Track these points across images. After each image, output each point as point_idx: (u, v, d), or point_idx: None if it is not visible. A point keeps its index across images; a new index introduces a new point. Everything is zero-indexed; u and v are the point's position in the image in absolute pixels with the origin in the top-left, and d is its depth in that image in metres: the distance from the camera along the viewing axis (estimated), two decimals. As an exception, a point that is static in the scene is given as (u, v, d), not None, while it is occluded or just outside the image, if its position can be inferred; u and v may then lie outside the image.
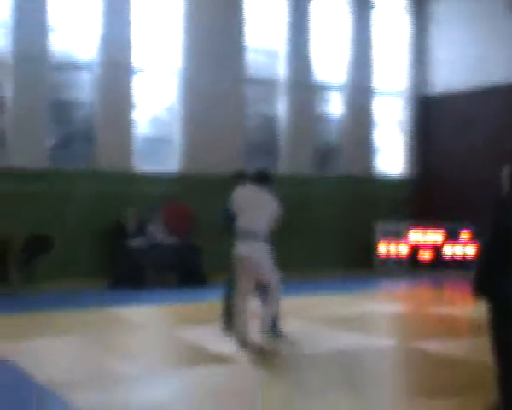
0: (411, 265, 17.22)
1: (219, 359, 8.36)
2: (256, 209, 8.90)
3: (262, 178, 9.17)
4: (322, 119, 18.39)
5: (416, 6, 19.08)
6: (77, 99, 15.46)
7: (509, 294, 6.24)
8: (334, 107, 18.48)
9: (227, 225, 9.50)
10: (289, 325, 10.46)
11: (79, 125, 15.63)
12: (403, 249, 17.38)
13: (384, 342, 9.52)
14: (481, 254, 6.54)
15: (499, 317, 6.33)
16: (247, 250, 8.83)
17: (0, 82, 14.64)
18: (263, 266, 8.89)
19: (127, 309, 11.86)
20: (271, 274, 8.95)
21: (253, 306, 9.18)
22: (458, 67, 18.06)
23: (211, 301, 11.21)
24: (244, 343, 8.86)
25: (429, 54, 18.96)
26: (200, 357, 8.50)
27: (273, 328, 9.33)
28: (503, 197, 6.45)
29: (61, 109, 15.37)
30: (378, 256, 17.51)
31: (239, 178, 9.71)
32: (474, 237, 16.34)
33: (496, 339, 6.37)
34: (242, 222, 8.88)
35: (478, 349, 8.25)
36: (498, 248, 6.24)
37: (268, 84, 17.53)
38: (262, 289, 9.29)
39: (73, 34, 15.20)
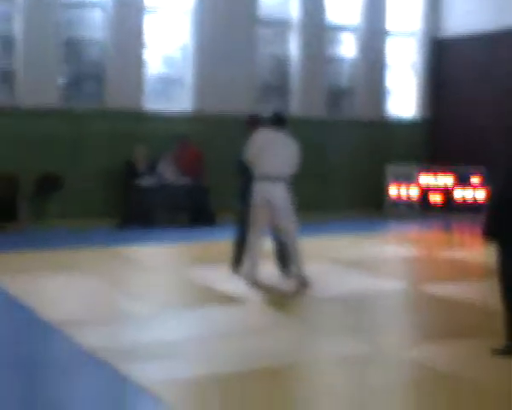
0: (422, 208, 17.12)
1: (230, 299, 8.32)
2: (277, 152, 8.75)
3: (279, 121, 8.99)
4: (334, 60, 18.11)
5: None
6: (88, 38, 15.21)
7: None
8: (347, 48, 18.19)
9: (242, 173, 9.38)
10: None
11: (91, 64, 15.38)
12: (413, 192, 17.26)
13: (394, 284, 9.46)
14: (492, 198, 6.48)
15: (509, 261, 6.30)
16: (267, 193, 8.70)
17: (10, 20, 14.40)
18: (281, 212, 8.77)
19: (136, 248, 11.82)
20: (289, 221, 8.83)
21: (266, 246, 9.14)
22: (475, 9, 17.63)
23: (220, 241, 11.15)
24: (253, 283, 8.81)
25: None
26: (211, 297, 8.46)
27: (284, 268, 9.30)
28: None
29: (72, 48, 15.11)
30: (389, 199, 17.41)
31: (253, 121, 9.56)
32: (485, 182, 16.20)
33: (505, 283, 6.36)
34: (263, 165, 8.73)
35: (487, 293, 8.19)
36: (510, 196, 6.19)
37: (280, 25, 17.23)
38: (276, 234, 9.24)
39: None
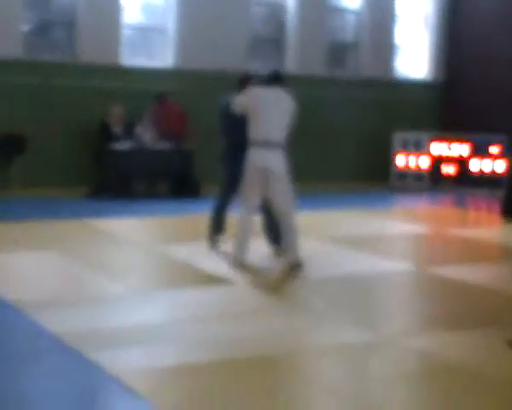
0: (433, 180, 17.18)
1: (213, 279, 8.33)
2: (274, 112, 8.59)
3: (276, 79, 8.89)
4: (336, 11, 18.15)
5: None
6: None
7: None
8: (352, -2, 18.23)
9: (224, 131, 9.39)
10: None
11: (59, 9, 15.31)
12: (424, 163, 17.31)
13: (400, 265, 9.49)
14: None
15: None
16: (261, 162, 8.63)
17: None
18: (278, 184, 8.63)
19: (110, 221, 11.80)
20: (285, 196, 8.71)
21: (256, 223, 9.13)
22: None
23: (205, 214, 11.15)
24: (240, 264, 8.79)
25: None
26: (192, 277, 8.48)
27: (275, 244, 9.30)
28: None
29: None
30: (396, 169, 17.46)
31: (247, 80, 9.49)
32: (505, 152, 16.22)
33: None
34: (259, 128, 8.59)
35: (505, 277, 8.22)
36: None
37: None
38: (266, 212, 9.22)
39: None
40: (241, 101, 8.78)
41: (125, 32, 15.71)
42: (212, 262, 9.01)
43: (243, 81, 9.46)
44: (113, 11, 15.32)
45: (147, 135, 14.57)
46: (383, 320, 7.24)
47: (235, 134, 9.14)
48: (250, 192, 8.74)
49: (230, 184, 9.43)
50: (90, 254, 9.42)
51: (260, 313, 7.22)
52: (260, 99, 8.68)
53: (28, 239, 10.15)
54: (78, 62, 15.04)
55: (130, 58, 15.70)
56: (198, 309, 7.26)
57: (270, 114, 8.58)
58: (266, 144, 8.57)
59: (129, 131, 14.59)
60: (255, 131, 8.62)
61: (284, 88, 8.83)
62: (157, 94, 14.90)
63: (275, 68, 9.44)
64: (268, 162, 8.57)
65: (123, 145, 14.36)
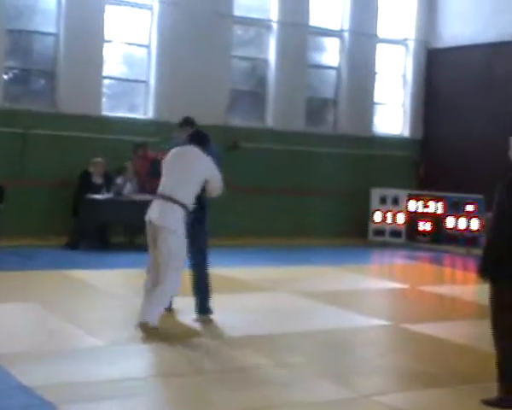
0: (409, 236, 17.25)
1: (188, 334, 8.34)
2: (177, 169, 8.41)
3: (193, 139, 8.67)
4: (316, 67, 18.28)
5: None
6: (38, 28, 15.16)
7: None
8: (332, 55, 18.35)
9: None
10: (271, 299, 10.47)
11: (40, 58, 15.34)
12: (400, 219, 17.39)
13: (377, 322, 9.53)
14: (489, 231, 6.55)
15: (504, 300, 6.35)
16: (151, 214, 8.39)
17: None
18: (165, 238, 8.19)
19: (89, 272, 11.73)
20: (172, 254, 8.16)
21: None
22: (471, 19, 17.96)
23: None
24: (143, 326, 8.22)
25: (438, 1, 18.83)
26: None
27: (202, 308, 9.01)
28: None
29: (20, 39, 15.12)
30: (373, 225, 17.53)
31: (184, 125, 9.31)
32: (481, 211, 16.36)
33: (498, 324, 6.40)
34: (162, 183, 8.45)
35: (480, 335, 8.25)
36: (507, 227, 6.26)
37: (258, 25, 17.38)
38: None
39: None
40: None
41: (107, 84, 15.79)
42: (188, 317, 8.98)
43: (181, 125, 9.35)
44: (95, 62, 15.39)
45: (127, 186, 14.56)
46: (358, 377, 7.24)
47: None
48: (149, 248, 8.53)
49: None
50: (67, 305, 9.37)
51: (235, 369, 7.22)
52: (168, 157, 8.57)
53: (5, 290, 10.07)
54: (58, 112, 15.07)
55: (111, 109, 15.75)
56: (172, 363, 7.27)
57: (172, 170, 8.42)
58: (161, 197, 8.38)
59: (109, 182, 14.59)
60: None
61: (203, 146, 8.56)
62: (137, 144, 14.88)
63: (187, 118, 9.38)
64: (153, 215, 8.35)
65: (102, 195, 14.35)
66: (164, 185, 8.38)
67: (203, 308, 8.91)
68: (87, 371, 6.84)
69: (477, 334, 8.59)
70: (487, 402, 6.37)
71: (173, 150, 8.64)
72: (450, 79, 18.53)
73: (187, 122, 9.36)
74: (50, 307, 9.19)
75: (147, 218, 8.42)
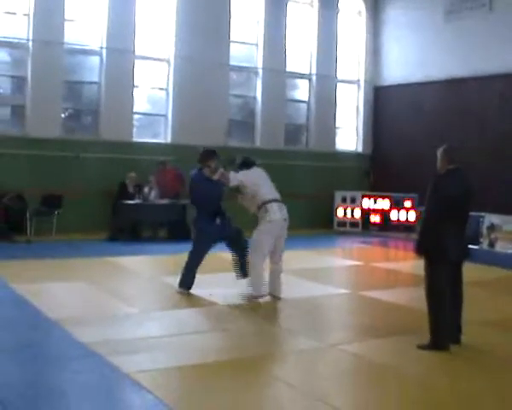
0: (364, 226, 17.27)
1: (204, 302, 8.35)
2: (270, 183, 8.70)
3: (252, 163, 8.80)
4: (292, 101, 18.31)
5: (372, 13, 18.99)
6: (86, 79, 15.25)
7: (444, 246, 6.33)
8: (303, 92, 18.38)
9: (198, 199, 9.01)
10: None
11: (87, 100, 15.43)
12: (357, 213, 17.42)
13: (340, 290, 9.57)
14: (423, 221, 6.62)
15: (434, 274, 6.41)
16: (283, 213, 8.54)
17: (23, 63, 14.37)
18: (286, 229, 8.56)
19: (124, 258, 11.72)
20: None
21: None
22: (404, 64, 18.09)
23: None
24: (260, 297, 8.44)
25: (382, 52, 18.87)
26: (187, 300, 8.48)
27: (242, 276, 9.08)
28: (441, 174, 6.53)
29: (73, 87, 15.18)
30: (337, 218, 17.55)
31: (207, 157, 8.96)
32: (415, 205, 16.43)
33: (430, 291, 6.47)
34: (268, 191, 8.56)
35: (416, 298, 8.30)
36: (439, 212, 6.32)
37: (248, 71, 17.40)
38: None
39: (84, 24, 14.96)
40: (246, 181, 8.53)
41: (136, 117, 15.82)
42: (203, 290, 8.98)
43: (205, 157, 8.85)
44: (127, 101, 15.40)
45: (152, 193, 14.59)
46: (327, 331, 7.29)
47: (207, 204, 8.79)
48: (268, 243, 8.50)
49: (203, 243, 8.90)
50: (108, 283, 9.39)
51: (239, 327, 7.26)
52: (257, 173, 8.71)
53: (60, 272, 10.12)
54: (101, 140, 15.10)
55: (140, 136, 15.76)
56: (192, 324, 7.30)
57: (268, 180, 8.80)
58: (278, 200, 8.64)
59: (139, 191, 14.61)
60: (265, 192, 8.56)
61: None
62: (159, 161, 14.96)
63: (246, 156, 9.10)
64: (285, 214, 8.61)
65: (134, 201, 14.36)
66: (273, 192, 8.60)
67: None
68: (125, 331, 6.89)
69: (414, 298, 8.64)
70: (421, 347, 6.45)
71: (258, 169, 8.76)
72: (391, 109, 18.62)
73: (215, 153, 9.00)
74: (95, 285, 9.21)
75: (282, 216, 8.55)
